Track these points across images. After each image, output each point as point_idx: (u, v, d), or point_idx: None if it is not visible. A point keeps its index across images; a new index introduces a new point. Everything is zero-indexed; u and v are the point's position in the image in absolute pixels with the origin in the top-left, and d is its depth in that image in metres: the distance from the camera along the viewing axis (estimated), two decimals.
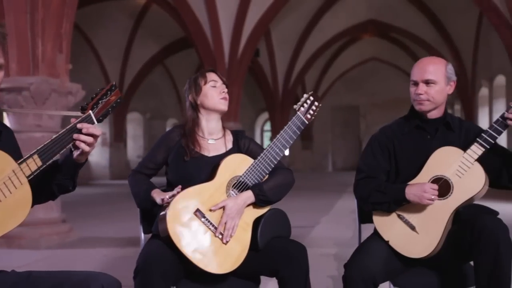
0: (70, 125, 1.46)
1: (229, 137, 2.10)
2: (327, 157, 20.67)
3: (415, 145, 1.98)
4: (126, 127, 17.26)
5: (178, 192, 1.84)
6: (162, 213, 1.84)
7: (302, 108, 2.00)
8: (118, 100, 1.56)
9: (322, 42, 15.57)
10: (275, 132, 15.96)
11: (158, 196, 1.91)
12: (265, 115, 19.76)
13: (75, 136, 1.44)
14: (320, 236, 5.18)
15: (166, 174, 2.06)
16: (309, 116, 2.00)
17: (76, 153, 1.49)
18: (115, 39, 14.95)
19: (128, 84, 16.13)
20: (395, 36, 16.31)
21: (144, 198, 1.96)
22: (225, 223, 1.83)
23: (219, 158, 1.96)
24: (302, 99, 2.02)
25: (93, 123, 1.48)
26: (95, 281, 1.38)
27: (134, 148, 18.09)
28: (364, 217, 2.12)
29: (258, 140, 20.55)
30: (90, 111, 1.49)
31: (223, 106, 2.04)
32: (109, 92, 1.54)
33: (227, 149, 2.05)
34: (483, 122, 12.76)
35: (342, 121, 20.28)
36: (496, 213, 1.87)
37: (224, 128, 2.11)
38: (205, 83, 2.03)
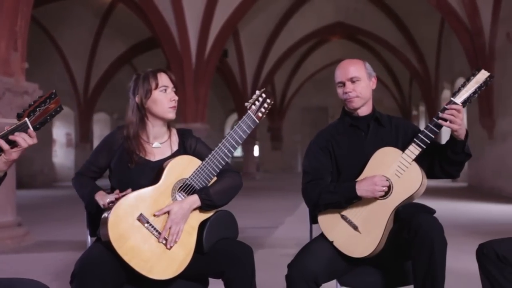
0: (3, 132, 1.42)
1: (175, 138, 2.03)
2: (296, 157, 20.82)
3: (351, 143, 2.04)
4: (92, 128, 16.91)
5: (116, 198, 1.80)
6: (104, 216, 1.80)
7: (253, 106, 1.95)
8: (58, 109, 1.54)
9: (291, 43, 15.68)
10: None
11: (101, 199, 1.86)
12: (235, 116, 19.75)
13: (12, 137, 1.41)
14: (282, 237, 5.21)
15: (109, 178, 2.00)
16: (260, 115, 1.96)
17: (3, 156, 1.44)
18: (80, 38, 14.61)
19: (94, 83, 15.81)
20: (362, 38, 16.61)
21: (89, 201, 1.91)
22: (170, 228, 1.79)
23: (164, 162, 1.91)
24: (254, 96, 1.98)
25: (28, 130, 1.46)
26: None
27: None
28: (316, 217, 2.13)
29: None
30: (26, 119, 1.46)
31: (171, 115, 1.96)
32: (48, 100, 1.51)
33: (173, 151, 1.99)
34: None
35: (311, 121, 20.47)
36: (433, 211, 1.92)
37: (170, 128, 2.03)
38: (156, 87, 1.92)
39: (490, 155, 9.88)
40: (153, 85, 1.92)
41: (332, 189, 1.93)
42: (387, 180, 1.87)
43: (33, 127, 1.47)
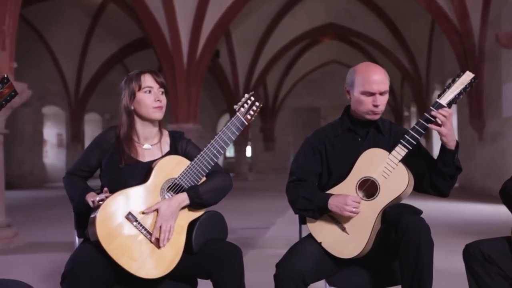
0: None
1: (166, 139, 2.04)
2: (289, 158, 20.82)
3: (346, 147, 2.02)
4: (83, 128, 16.80)
5: (106, 196, 1.80)
6: (92, 216, 1.80)
7: (242, 109, 1.98)
8: (13, 93, 1.53)
9: (282, 44, 15.69)
10: None
11: (91, 198, 1.86)
12: (227, 117, 19.73)
13: None
14: (273, 237, 5.22)
15: (100, 178, 2.00)
16: (249, 117, 1.98)
17: None
18: (71, 38, 14.52)
19: (85, 84, 15.71)
20: (354, 39, 16.68)
21: (79, 202, 1.91)
22: (160, 227, 1.79)
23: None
24: (243, 99, 2.00)
25: None
26: None
27: None
28: (305, 218, 2.13)
29: None
30: None
31: (157, 115, 1.96)
32: (1, 85, 1.50)
33: (163, 153, 1.99)
34: None
35: (303, 122, 20.50)
36: (420, 212, 1.93)
37: (161, 129, 2.04)
38: (139, 89, 1.92)
39: (481, 156, 9.97)
40: (136, 87, 1.93)
41: (309, 196, 1.94)
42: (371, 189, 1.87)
43: None
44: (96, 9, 14.00)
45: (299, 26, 15.34)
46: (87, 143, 17.27)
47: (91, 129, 17.77)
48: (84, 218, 1.96)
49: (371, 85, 1.92)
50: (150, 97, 1.93)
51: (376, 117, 1.97)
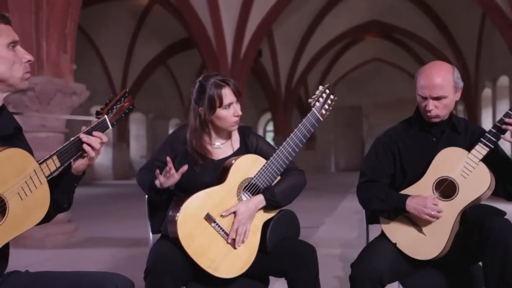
0: (87, 129, 1.50)
1: (236, 136, 2.04)
2: (330, 157, 20.65)
3: (420, 147, 1.97)
4: (129, 127, 17.28)
5: (170, 168, 1.79)
6: (171, 214, 1.84)
7: (317, 103, 1.93)
8: (131, 107, 1.63)
9: (324, 43, 15.55)
10: (277, 132, 15.93)
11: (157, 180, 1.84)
12: (268, 116, 19.77)
13: (85, 139, 1.47)
14: (324, 237, 5.19)
15: None
16: (324, 112, 1.94)
17: (78, 161, 1.51)
18: (117, 39, 14.97)
19: (131, 84, 16.14)
20: (398, 36, 16.29)
21: (150, 186, 1.90)
22: (237, 229, 1.82)
23: (226, 160, 1.93)
24: (317, 93, 1.94)
25: (107, 127, 1.53)
26: (109, 282, 1.40)
27: (137, 149, 18.12)
28: (372, 217, 2.11)
29: None
30: (106, 116, 1.54)
31: (234, 127, 1.96)
32: (122, 99, 1.60)
33: (234, 150, 2.00)
34: (486, 123, 12.73)
35: (345, 121, 20.26)
36: (504, 213, 1.87)
37: None
38: (221, 105, 1.89)
39: None
40: (218, 103, 1.89)
41: (384, 196, 1.90)
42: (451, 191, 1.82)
43: (110, 124, 1.54)
44: (141, 11, 14.36)
45: (341, 24, 15.14)
46: (132, 142, 17.76)
47: (136, 128, 18.25)
48: (156, 210, 2.01)
49: (422, 89, 1.87)
50: (230, 111, 1.91)
51: (432, 120, 1.91)
